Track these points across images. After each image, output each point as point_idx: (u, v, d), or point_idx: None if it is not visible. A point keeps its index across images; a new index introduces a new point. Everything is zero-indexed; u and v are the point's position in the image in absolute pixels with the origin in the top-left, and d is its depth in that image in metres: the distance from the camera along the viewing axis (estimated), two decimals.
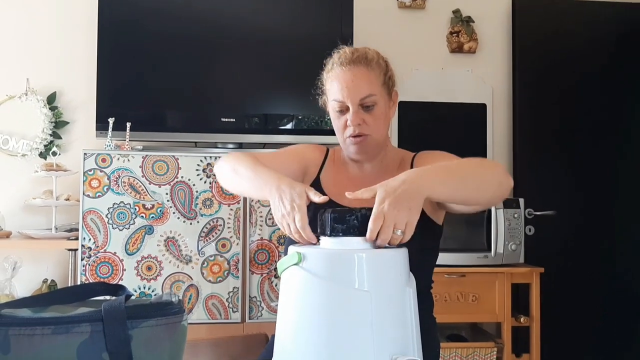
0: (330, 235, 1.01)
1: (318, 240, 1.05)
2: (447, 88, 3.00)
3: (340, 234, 1.01)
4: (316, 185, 1.41)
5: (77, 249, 2.28)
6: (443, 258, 1.48)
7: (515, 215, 2.60)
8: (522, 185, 2.97)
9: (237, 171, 1.33)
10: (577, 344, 2.94)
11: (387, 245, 1.03)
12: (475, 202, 1.24)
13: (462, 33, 3.00)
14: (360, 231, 1.00)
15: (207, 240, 2.31)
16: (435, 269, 1.44)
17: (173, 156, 2.32)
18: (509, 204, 2.61)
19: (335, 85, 1.35)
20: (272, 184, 1.17)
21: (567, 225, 2.95)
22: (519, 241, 2.59)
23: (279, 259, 1.04)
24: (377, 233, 0.99)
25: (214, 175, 2.32)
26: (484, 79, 3.05)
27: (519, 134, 3.02)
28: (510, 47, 3.08)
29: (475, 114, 3.01)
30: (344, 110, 1.35)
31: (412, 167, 1.40)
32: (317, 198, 1.10)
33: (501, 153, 3.04)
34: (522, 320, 2.60)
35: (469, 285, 2.54)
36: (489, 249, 2.58)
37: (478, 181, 1.19)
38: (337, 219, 1.01)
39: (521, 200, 2.64)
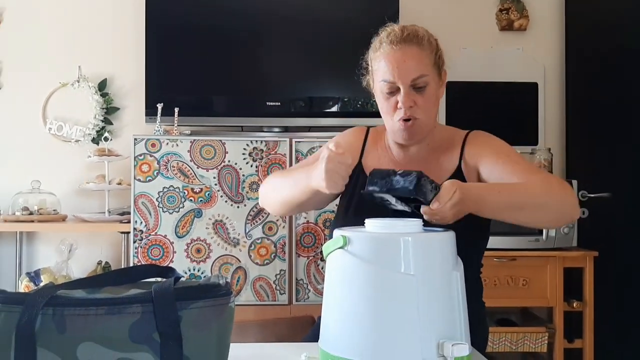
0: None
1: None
2: (497, 67, 2.92)
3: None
4: (359, 170, 1.39)
5: (129, 232, 2.34)
6: (493, 242, 1.45)
7: None
8: (576, 167, 2.88)
9: (275, 187, 1.42)
10: (632, 330, 2.85)
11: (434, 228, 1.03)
12: (529, 225, 1.29)
13: (512, 10, 2.91)
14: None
15: (254, 224, 2.34)
16: (485, 253, 1.41)
17: (220, 140, 2.35)
18: None
19: (385, 64, 1.30)
20: (310, 173, 1.25)
21: (622, 207, 2.84)
22: (571, 224, 2.51)
23: (324, 242, 1.04)
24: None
25: (260, 159, 2.35)
26: (535, 57, 2.96)
27: (572, 113, 2.92)
28: (563, 23, 2.97)
29: (526, 93, 2.93)
30: (393, 91, 1.30)
31: (463, 148, 1.36)
32: (332, 146, 1.22)
33: (553, 133, 2.95)
34: (574, 305, 2.54)
35: (520, 269, 2.49)
36: (541, 233, 2.51)
37: (536, 214, 1.21)
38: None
39: (574, 182, 2.56)
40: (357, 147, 1.44)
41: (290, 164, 2.36)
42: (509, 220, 1.22)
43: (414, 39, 1.30)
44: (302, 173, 1.32)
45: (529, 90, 2.92)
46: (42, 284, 2.33)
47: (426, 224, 1.04)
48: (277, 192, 1.41)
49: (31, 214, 2.51)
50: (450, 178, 1.33)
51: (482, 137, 1.38)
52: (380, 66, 1.31)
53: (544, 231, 2.50)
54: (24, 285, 2.42)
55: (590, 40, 2.91)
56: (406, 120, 1.31)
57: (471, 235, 1.29)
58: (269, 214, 2.34)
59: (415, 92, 1.29)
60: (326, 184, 1.19)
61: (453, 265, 1.00)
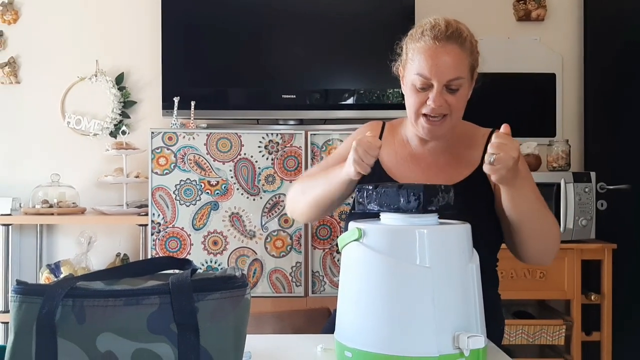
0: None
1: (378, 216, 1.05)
2: (514, 58, 2.89)
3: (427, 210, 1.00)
4: (376, 165, 1.39)
5: (147, 224, 2.37)
6: None
7: (586, 190, 2.49)
8: (594, 159, 2.84)
9: (304, 189, 1.41)
10: None
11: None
12: (525, 244, 1.27)
13: (529, 0, 2.88)
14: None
15: (270, 216, 2.35)
16: (502, 245, 1.41)
17: (236, 133, 2.36)
18: (579, 177, 2.51)
19: (423, 59, 1.27)
20: (342, 166, 1.26)
21: None
22: (590, 216, 2.49)
23: (340, 235, 1.04)
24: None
25: (276, 151, 2.36)
26: (553, 48, 2.92)
27: (590, 104, 2.88)
28: (581, 13, 2.92)
29: (544, 84, 2.89)
30: (426, 87, 1.28)
31: (487, 145, 1.35)
32: (377, 141, 1.22)
33: (571, 124, 2.92)
34: (592, 297, 2.52)
35: None
36: (558, 225, 2.49)
37: (544, 237, 1.26)
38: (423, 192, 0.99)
39: (592, 174, 2.53)
40: None
41: (306, 157, 2.36)
42: (519, 226, 1.24)
43: (458, 38, 1.28)
44: (334, 170, 1.33)
45: (546, 81, 2.89)
46: (62, 276, 2.37)
47: (441, 217, 1.03)
48: (308, 193, 1.40)
49: (51, 206, 2.54)
50: (472, 174, 1.33)
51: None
52: (418, 59, 1.28)
53: (562, 223, 2.48)
54: (45, 277, 2.46)
55: (609, 29, 2.87)
56: (432, 117, 1.30)
57: (487, 227, 1.28)
58: (284, 206, 2.34)
59: (448, 92, 1.28)
60: (358, 166, 1.22)
61: (469, 257, 0.99)
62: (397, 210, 0.99)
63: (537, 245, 1.27)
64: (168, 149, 2.34)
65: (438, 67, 1.26)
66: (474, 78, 1.36)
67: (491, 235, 1.33)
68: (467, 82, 1.32)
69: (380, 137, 1.43)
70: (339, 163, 1.36)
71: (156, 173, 2.34)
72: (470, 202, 1.14)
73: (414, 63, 1.30)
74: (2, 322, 2.51)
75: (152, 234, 2.33)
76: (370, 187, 1.02)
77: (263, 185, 2.35)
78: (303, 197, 1.41)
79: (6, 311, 2.49)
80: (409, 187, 0.99)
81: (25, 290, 0.79)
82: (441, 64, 1.26)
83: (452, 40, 1.27)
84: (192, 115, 2.44)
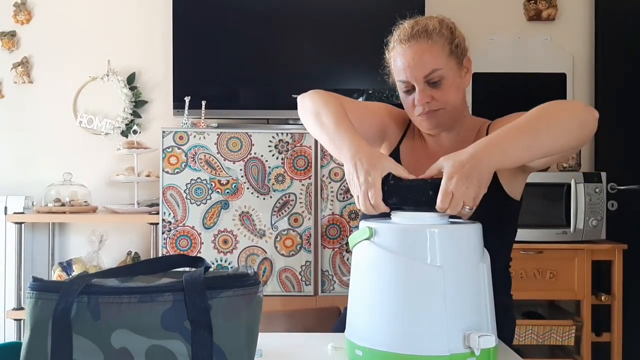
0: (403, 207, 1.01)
1: (389, 213, 1.05)
2: (525, 58, 2.89)
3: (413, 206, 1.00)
4: (395, 155, 1.38)
5: (158, 223, 2.38)
6: (520, 234, 1.44)
7: (597, 190, 2.49)
8: (605, 159, 2.83)
9: (320, 117, 1.26)
10: None
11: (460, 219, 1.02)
12: (559, 150, 1.15)
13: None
14: (434, 204, 1.00)
15: (280, 215, 2.36)
16: (513, 245, 1.40)
17: (246, 133, 2.37)
18: (589, 178, 2.50)
19: (397, 64, 1.29)
20: (351, 151, 1.11)
21: None
22: (600, 217, 2.48)
23: (350, 234, 1.04)
24: (445, 209, 0.99)
25: (286, 151, 2.36)
26: (564, 47, 2.91)
27: (601, 104, 2.87)
28: (592, 12, 2.91)
29: (554, 84, 2.88)
30: (410, 89, 1.29)
31: (487, 134, 1.35)
32: (405, 174, 1.05)
33: None
34: (603, 298, 2.51)
35: (547, 261, 2.47)
36: (568, 225, 2.49)
37: (555, 130, 1.11)
38: (412, 190, 1.00)
39: (603, 174, 2.52)
40: (401, 129, 1.43)
41: (316, 157, 2.37)
42: (533, 155, 1.11)
43: (423, 34, 1.27)
44: (347, 140, 1.15)
45: (557, 81, 2.88)
46: (74, 274, 2.39)
47: (453, 215, 1.03)
48: (316, 127, 1.28)
49: (63, 205, 2.56)
50: None
51: (501, 121, 1.35)
52: (396, 66, 1.31)
53: (572, 224, 2.47)
54: (57, 275, 2.48)
55: (621, 29, 2.86)
56: (427, 112, 1.29)
57: (500, 229, 1.28)
58: (294, 205, 2.36)
59: (431, 87, 1.27)
60: (358, 202, 1.08)
61: (480, 257, 1.00)
62: (426, 204, 0.99)
63: (573, 145, 1.17)
64: (179, 148, 2.36)
65: (411, 68, 1.26)
66: (465, 64, 1.33)
67: (503, 234, 1.33)
68: (451, 70, 1.28)
69: (405, 133, 1.43)
70: (363, 117, 1.33)
71: (167, 172, 2.35)
72: (481, 200, 1.12)
73: (395, 71, 1.32)
74: (15, 319, 2.54)
75: (162, 233, 2.35)
76: (392, 181, 1.02)
77: (273, 184, 2.36)
78: (314, 123, 1.30)
79: (19, 308, 2.52)
80: (436, 182, 1.00)
81: (42, 287, 0.80)
82: (412, 63, 1.26)
83: (418, 37, 1.27)
84: (202, 114, 2.46)
